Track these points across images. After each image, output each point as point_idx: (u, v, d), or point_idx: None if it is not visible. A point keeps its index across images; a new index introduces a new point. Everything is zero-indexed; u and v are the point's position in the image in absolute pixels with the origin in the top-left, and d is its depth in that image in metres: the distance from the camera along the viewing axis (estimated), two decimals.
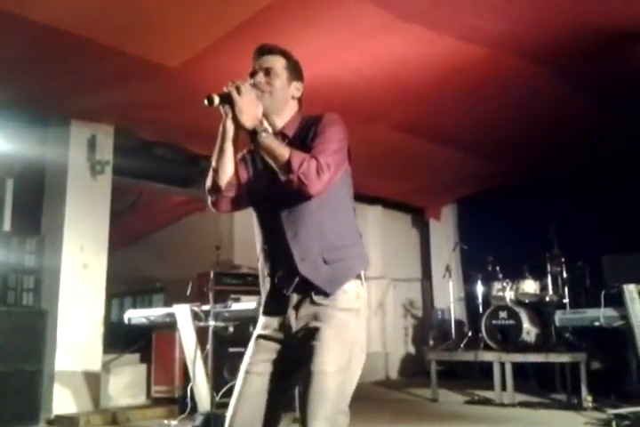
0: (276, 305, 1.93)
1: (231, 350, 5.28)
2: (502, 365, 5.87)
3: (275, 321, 1.93)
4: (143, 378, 6.15)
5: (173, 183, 6.88)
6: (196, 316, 4.67)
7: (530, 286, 6.42)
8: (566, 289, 6.32)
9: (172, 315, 4.82)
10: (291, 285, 1.88)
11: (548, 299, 6.36)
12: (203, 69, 4.44)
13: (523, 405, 5.69)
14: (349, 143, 2.00)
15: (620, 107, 5.84)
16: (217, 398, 4.54)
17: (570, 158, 6.98)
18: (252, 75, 2.01)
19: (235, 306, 4.69)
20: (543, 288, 6.41)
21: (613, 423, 4.49)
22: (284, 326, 1.90)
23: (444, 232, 9.28)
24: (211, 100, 1.87)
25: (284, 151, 1.84)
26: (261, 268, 2.01)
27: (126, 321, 5.11)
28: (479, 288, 7.00)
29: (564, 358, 5.63)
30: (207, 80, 4.39)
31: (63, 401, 5.33)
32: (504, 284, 6.51)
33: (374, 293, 9.09)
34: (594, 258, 5.51)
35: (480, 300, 6.96)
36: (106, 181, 5.93)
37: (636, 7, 4.09)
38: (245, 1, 3.87)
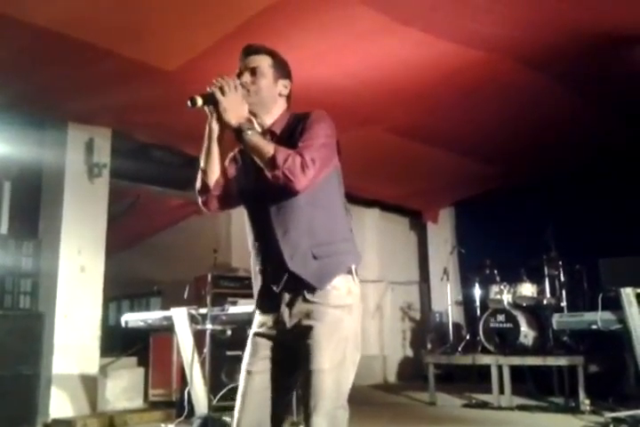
0: (269, 302, 1.95)
1: (229, 353, 5.26)
2: (500, 368, 5.86)
3: (269, 318, 1.95)
4: (140, 381, 6.13)
5: (171, 186, 6.89)
6: (193, 319, 4.66)
7: (527, 289, 6.42)
8: (564, 292, 6.32)
9: (169, 318, 4.81)
10: (280, 281, 1.90)
11: (545, 302, 6.36)
12: (200, 72, 4.43)
13: (520, 408, 5.68)
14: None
15: (618, 109, 5.85)
16: (214, 402, 4.53)
17: (567, 161, 6.99)
18: (239, 75, 2.03)
19: (232, 309, 4.69)
20: (541, 291, 6.41)
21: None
22: (278, 324, 1.91)
23: (441, 235, 9.28)
24: (194, 102, 1.89)
25: (269, 148, 1.85)
26: (253, 264, 2.02)
27: (123, 324, 5.09)
28: (477, 291, 7.00)
29: (562, 361, 5.63)
30: (204, 83, 4.38)
31: (60, 405, 5.31)
32: (502, 287, 6.52)
33: (372, 296, 9.08)
34: (591, 261, 5.52)
35: (478, 303, 6.96)
36: (103, 183, 5.92)
37: (633, 10, 4.10)
38: (243, 4, 3.88)
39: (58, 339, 5.39)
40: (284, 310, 1.89)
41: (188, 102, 1.89)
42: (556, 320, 5.60)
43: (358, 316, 1.92)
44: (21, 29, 3.96)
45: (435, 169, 7.33)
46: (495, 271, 6.77)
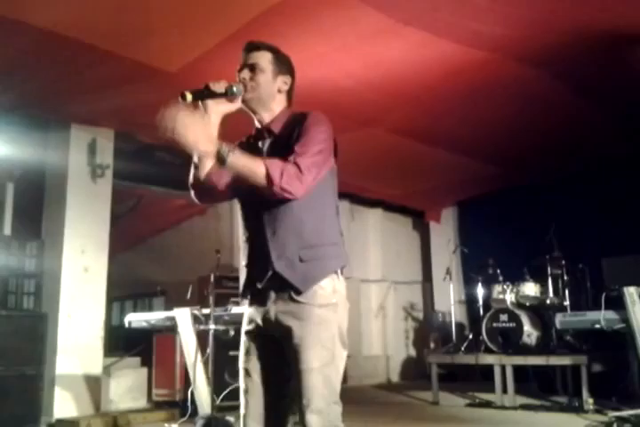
0: (257, 298, 1.98)
1: (232, 353, 5.22)
2: (503, 367, 5.86)
3: (258, 315, 1.97)
4: (144, 381, 6.14)
5: (174, 187, 6.89)
6: (196, 319, 4.67)
7: (530, 288, 6.42)
8: (567, 292, 6.32)
9: (172, 318, 4.82)
10: (263, 279, 1.92)
11: (548, 302, 6.35)
12: (202, 74, 4.44)
13: (524, 407, 5.67)
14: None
15: (621, 110, 5.84)
16: (217, 402, 4.54)
17: (570, 161, 6.99)
18: (239, 71, 2.04)
19: (235, 309, 4.70)
20: (544, 291, 6.40)
21: (615, 426, 4.49)
22: (266, 322, 1.94)
23: (444, 235, 9.28)
24: (184, 98, 1.90)
25: (259, 166, 1.81)
26: (242, 257, 2.05)
27: (127, 325, 5.11)
28: (480, 291, 6.99)
29: (565, 360, 5.62)
30: None
31: (64, 405, 5.33)
32: (504, 286, 6.51)
33: (375, 295, 9.09)
34: (594, 260, 5.52)
35: (481, 302, 6.96)
36: (106, 184, 5.94)
37: (635, 9, 4.10)
38: (244, 6, 3.88)
39: (61, 339, 5.41)
40: (271, 308, 1.91)
41: (180, 98, 1.90)
42: (559, 320, 5.60)
43: (344, 313, 1.94)
44: (24, 31, 3.97)
45: (437, 169, 7.33)
46: (498, 271, 6.76)
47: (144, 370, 6.23)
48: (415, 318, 9.41)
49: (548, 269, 6.36)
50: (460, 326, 7.99)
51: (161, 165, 6.57)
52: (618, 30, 4.35)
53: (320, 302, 1.88)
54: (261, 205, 1.93)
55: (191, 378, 4.65)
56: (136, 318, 5.12)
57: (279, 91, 2.06)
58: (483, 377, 6.82)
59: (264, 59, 2.03)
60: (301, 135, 1.92)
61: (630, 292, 4.74)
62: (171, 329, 5.03)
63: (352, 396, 7.24)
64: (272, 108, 2.05)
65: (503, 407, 5.73)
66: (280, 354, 1.90)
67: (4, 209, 6.00)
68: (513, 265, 6.60)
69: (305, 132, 1.92)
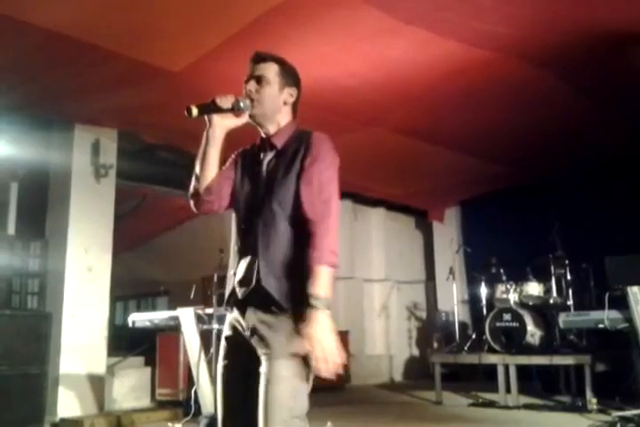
0: (237, 305, 1.99)
1: None
2: (506, 367, 5.85)
3: (236, 322, 1.99)
4: (147, 381, 6.16)
5: (177, 186, 6.90)
6: (199, 319, 4.67)
7: (534, 288, 6.41)
8: (570, 291, 6.31)
9: (175, 318, 4.83)
10: (247, 289, 1.93)
11: (551, 301, 6.35)
12: (206, 73, 4.46)
13: (527, 407, 5.67)
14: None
15: (623, 109, 5.83)
16: None
17: (573, 160, 6.98)
18: (246, 82, 2.04)
19: None
20: (547, 290, 6.39)
21: (618, 425, 4.49)
22: (244, 330, 1.95)
23: (447, 234, 9.27)
24: (190, 112, 1.92)
25: (327, 281, 1.83)
26: (230, 265, 2.06)
27: (130, 324, 5.12)
28: (483, 290, 6.99)
29: (569, 360, 5.62)
30: (210, 84, 4.41)
31: (68, 404, 5.35)
32: (508, 286, 6.51)
33: (378, 295, 9.09)
34: (597, 260, 5.49)
35: (484, 302, 6.95)
36: (110, 184, 5.95)
37: (638, 9, 4.09)
38: (247, 6, 3.88)
39: (65, 339, 5.42)
40: (249, 317, 1.93)
41: (185, 112, 1.91)
42: (562, 319, 5.59)
43: None
44: (28, 32, 3.98)
45: (440, 169, 7.33)
46: (501, 270, 6.75)
47: (147, 369, 6.24)
48: (418, 317, 9.41)
49: (552, 268, 6.35)
50: (463, 325, 7.98)
51: (164, 165, 6.58)
52: (621, 30, 4.34)
53: (296, 314, 1.87)
54: (258, 220, 1.95)
55: (194, 377, 4.66)
56: (139, 318, 5.13)
57: (285, 103, 2.06)
58: (486, 377, 6.82)
59: (271, 70, 2.03)
60: (307, 175, 1.92)
61: (634, 291, 4.73)
62: (174, 329, 5.04)
63: (355, 395, 7.26)
64: (277, 120, 2.06)
65: (506, 407, 5.73)
66: (256, 361, 1.90)
67: (8, 209, 6.02)
68: (516, 264, 6.59)
69: (311, 172, 1.92)
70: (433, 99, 5.36)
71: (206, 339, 4.64)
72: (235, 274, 2.01)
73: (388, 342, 9.06)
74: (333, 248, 1.85)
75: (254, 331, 1.91)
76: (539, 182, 7.70)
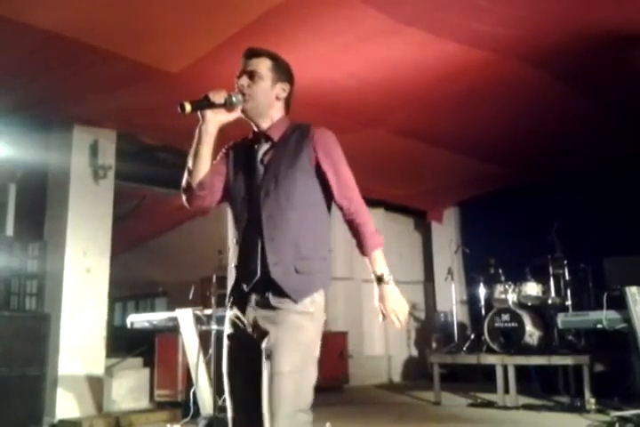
0: (238, 301, 1.99)
1: None
2: (505, 367, 5.86)
3: (237, 319, 1.99)
4: (146, 382, 6.15)
5: (176, 187, 6.85)
6: (198, 320, 4.67)
7: (532, 288, 6.42)
8: (569, 291, 6.32)
9: (174, 319, 4.82)
10: (251, 282, 1.93)
11: (550, 301, 6.36)
12: (204, 74, 4.45)
13: (526, 407, 5.67)
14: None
15: (621, 109, 5.84)
16: (220, 402, 4.53)
17: (571, 161, 6.99)
18: (238, 77, 2.05)
19: None
20: (545, 291, 6.40)
21: (617, 426, 4.49)
22: (245, 326, 1.96)
23: (446, 235, 9.28)
24: (183, 108, 1.92)
25: (384, 260, 2.07)
26: (230, 259, 2.05)
27: (129, 325, 5.11)
28: (481, 291, 7.00)
29: (567, 360, 5.63)
30: (209, 85, 4.40)
31: (66, 405, 5.34)
32: (506, 286, 6.51)
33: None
34: (596, 260, 5.50)
35: (482, 302, 6.96)
36: (108, 185, 5.95)
37: (635, 10, 4.10)
38: (245, 7, 3.88)
39: (64, 340, 5.42)
40: (250, 313, 1.93)
41: (178, 108, 1.92)
42: (561, 319, 5.59)
43: (319, 325, 1.96)
44: (27, 33, 3.97)
45: (439, 169, 7.33)
46: (500, 271, 6.77)
47: (146, 371, 6.24)
48: (417, 318, 9.41)
49: (550, 268, 6.37)
50: (461, 326, 8.00)
51: (163, 166, 6.58)
52: (618, 30, 4.35)
53: (297, 309, 1.89)
54: (261, 212, 1.95)
55: (193, 379, 4.66)
56: (138, 319, 5.13)
57: (277, 98, 2.06)
58: (485, 377, 6.82)
59: (263, 66, 2.03)
60: (330, 170, 2.00)
61: (632, 292, 4.74)
62: (173, 330, 5.03)
63: (354, 396, 7.26)
64: (270, 115, 2.06)
65: (505, 407, 5.73)
66: (258, 357, 1.90)
67: (7, 210, 6.01)
68: (515, 265, 6.61)
69: (330, 163, 2.01)
70: (432, 99, 5.37)
71: (205, 340, 4.64)
72: (236, 267, 2.00)
73: (387, 343, 9.06)
74: (376, 231, 2.01)
75: (256, 326, 1.91)
76: (537, 183, 7.71)
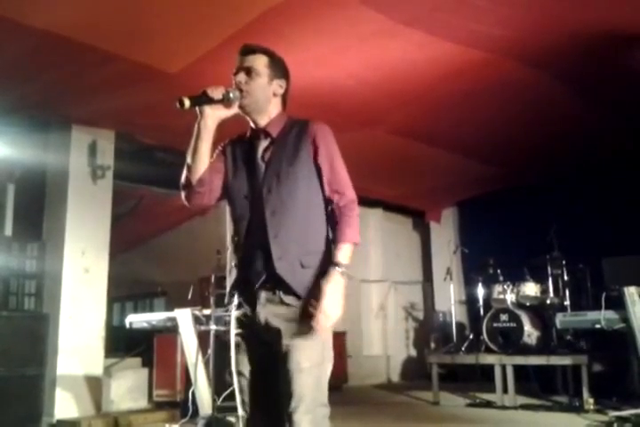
0: (245, 300, 1.98)
1: None
2: (503, 367, 5.86)
3: (246, 318, 1.98)
4: (145, 382, 6.15)
5: (174, 187, 6.85)
6: (197, 320, 4.67)
7: (531, 288, 6.42)
8: (567, 292, 6.33)
9: (173, 319, 4.82)
10: (259, 279, 1.93)
11: (548, 301, 6.36)
12: (203, 74, 4.44)
13: (524, 407, 5.68)
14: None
15: (619, 109, 5.85)
16: (218, 402, 4.54)
17: (569, 161, 6.99)
18: (235, 74, 2.05)
19: None
20: (544, 291, 6.41)
21: (615, 425, 4.50)
22: (256, 324, 1.95)
23: (444, 235, 9.29)
24: (182, 104, 1.93)
25: (349, 255, 1.94)
26: (230, 258, 2.05)
27: (128, 325, 5.11)
28: (480, 291, 7.00)
29: (566, 360, 5.63)
30: (208, 85, 4.40)
31: (65, 405, 5.34)
32: (505, 286, 6.52)
33: (375, 295, 9.09)
34: (594, 260, 5.52)
35: (481, 302, 6.96)
36: (107, 185, 5.95)
37: (633, 9, 4.10)
38: (244, 7, 3.89)
39: (62, 340, 5.41)
40: (261, 311, 1.93)
41: (177, 104, 1.92)
42: (559, 320, 5.60)
43: None
44: (25, 33, 3.97)
45: (437, 169, 7.34)
46: (498, 271, 6.77)
47: (145, 371, 6.24)
48: (415, 318, 9.41)
49: (549, 269, 6.37)
50: (460, 326, 8.00)
51: (161, 166, 6.57)
52: (616, 31, 4.35)
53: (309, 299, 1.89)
54: (264, 208, 1.95)
55: (192, 379, 4.65)
56: (137, 319, 5.12)
57: (274, 94, 2.07)
58: (483, 377, 6.82)
59: (260, 62, 2.04)
60: (330, 168, 2.01)
61: (630, 292, 4.75)
62: (171, 330, 5.03)
63: (353, 396, 7.26)
64: (268, 111, 2.06)
65: (504, 407, 5.74)
66: (270, 355, 1.91)
67: (5, 210, 6.01)
68: (513, 265, 6.61)
69: (331, 164, 2.01)
70: (430, 100, 5.37)
71: (204, 340, 4.64)
72: (240, 265, 2.00)
73: (386, 343, 9.06)
74: (357, 230, 1.98)
75: (268, 325, 1.91)
76: (536, 183, 7.72)
